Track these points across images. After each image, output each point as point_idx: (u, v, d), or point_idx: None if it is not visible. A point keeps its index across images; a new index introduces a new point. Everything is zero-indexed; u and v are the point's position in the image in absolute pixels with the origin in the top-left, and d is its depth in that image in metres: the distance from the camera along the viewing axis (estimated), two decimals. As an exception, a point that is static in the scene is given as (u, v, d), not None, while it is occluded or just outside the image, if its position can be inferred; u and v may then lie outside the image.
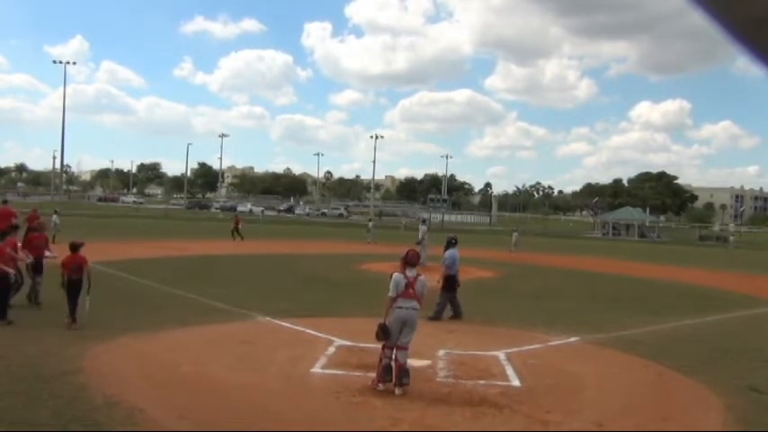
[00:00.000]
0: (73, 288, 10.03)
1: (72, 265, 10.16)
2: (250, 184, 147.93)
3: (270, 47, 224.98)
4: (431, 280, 9.40)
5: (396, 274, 7.65)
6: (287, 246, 30.13)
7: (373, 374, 7.52)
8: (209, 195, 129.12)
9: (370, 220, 42.79)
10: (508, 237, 36.06)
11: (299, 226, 55.48)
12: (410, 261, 7.72)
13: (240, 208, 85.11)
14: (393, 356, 7.36)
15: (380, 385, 7.30)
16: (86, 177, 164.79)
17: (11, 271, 10.52)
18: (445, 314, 12.25)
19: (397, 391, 7.23)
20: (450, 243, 13.16)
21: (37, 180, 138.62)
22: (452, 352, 9.41)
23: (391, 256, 18.84)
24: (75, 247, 10.35)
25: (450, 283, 12.48)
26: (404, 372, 7.33)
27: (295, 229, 48.06)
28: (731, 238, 60.34)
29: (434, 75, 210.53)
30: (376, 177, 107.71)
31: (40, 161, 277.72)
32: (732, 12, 0.70)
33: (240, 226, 32.02)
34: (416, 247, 16.30)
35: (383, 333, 7.42)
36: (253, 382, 7.55)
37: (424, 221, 26.99)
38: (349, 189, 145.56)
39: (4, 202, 22.52)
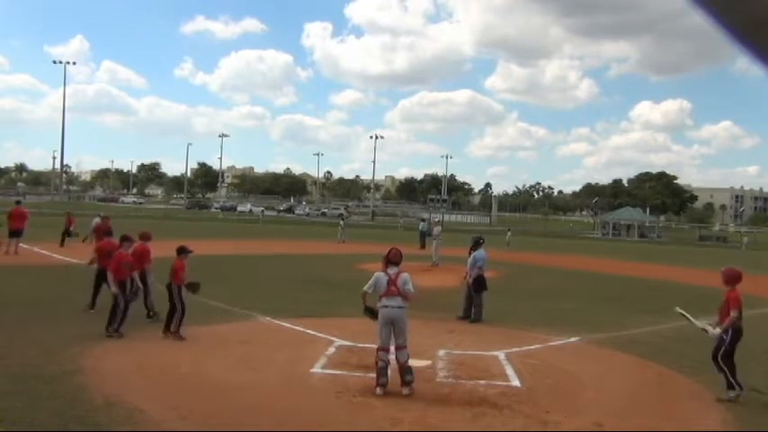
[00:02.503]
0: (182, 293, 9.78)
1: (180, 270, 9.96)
2: (250, 184, 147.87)
3: (270, 47, 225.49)
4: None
5: (377, 273, 7.62)
6: (287, 246, 30.11)
7: (373, 375, 7.50)
8: (209, 195, 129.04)
9: (342, 219, 42.19)
10: (503, 236, 37.37)
11: (299, 226, 55.43)
12: (392, 259, 7.60)
13: (240, 208, 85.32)
14: (388, 359, 7.32)
15: (378, 389, 7.20)
16: (86, 177, 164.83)
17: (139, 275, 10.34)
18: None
19: (404, 390, 7.19)
20: (479, 243, 13.05)
21: (37, 180, 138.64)
22: (452, 352, 9.41)
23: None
24: (180, 252, 10.25)
25: (480, 283, 12.46)
26: (406, 370, 7.29)
27: (295, 229, 48.03)
28: (745, 239, 60.09)
29: (434, 75, 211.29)
30: (376, 177, 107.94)
31: (40, 161, 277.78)
32: (732, 12, 0.70)
33: (72, 228, 24.52)
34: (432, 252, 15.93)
35: (370, 312, 7.57)
36: (253, 382, 7.55)
37: (438, 222, 26.66)
38: (349, 189, 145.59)
39: (18, 203, 22.66)
